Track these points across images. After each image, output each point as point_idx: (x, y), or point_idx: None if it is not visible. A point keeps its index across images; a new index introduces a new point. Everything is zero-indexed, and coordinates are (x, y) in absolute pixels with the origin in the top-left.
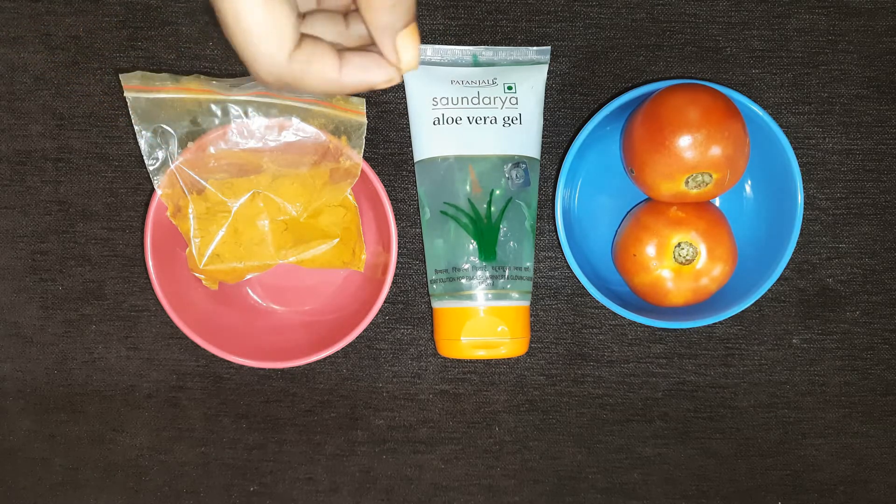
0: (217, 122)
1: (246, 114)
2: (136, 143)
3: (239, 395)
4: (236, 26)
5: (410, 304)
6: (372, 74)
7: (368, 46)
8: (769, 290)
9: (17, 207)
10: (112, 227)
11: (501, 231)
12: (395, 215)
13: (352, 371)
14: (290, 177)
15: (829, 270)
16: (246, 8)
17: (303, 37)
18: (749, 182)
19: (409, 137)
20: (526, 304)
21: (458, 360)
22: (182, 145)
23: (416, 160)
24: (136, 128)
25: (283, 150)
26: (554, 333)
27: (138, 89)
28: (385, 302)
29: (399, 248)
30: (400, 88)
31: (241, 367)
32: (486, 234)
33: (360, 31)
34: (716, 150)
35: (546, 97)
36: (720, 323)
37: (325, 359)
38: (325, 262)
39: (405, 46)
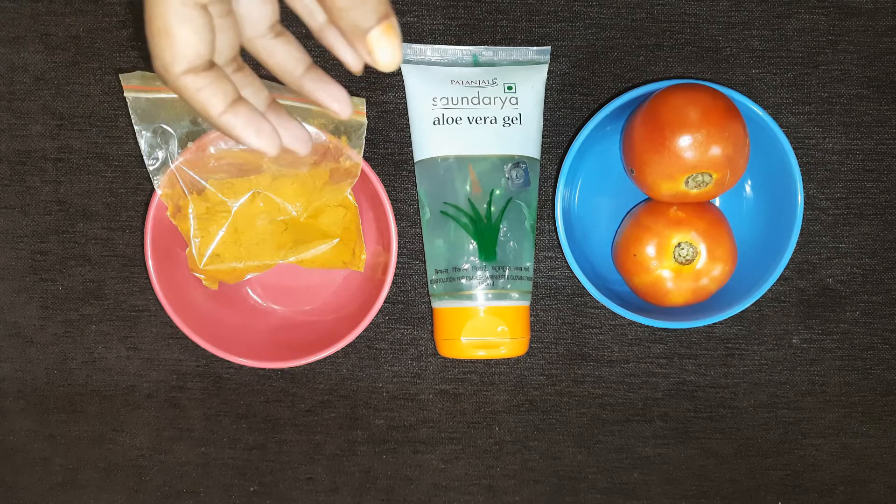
0: None
1: None
2: (136, 143)
3: (239, 395)
4: (151, 24)
5: (410, 304)
6: (248, 137)
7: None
8: (769, 290)
9: (17, 207)
10: (112, 227)
11: (501, 231)
12: (395, 215)
13: (352, 371)
14: (290, 177)
15: (829, 270)
16: (168, 14)
17: (212, 65)
18: (749, 182)
19: (409, 137)
20: (526, 304)
21: (458, 360)
22: (182, 145)
23: (416, 160)
24: (136, 128)
25: (283, 150)
26: (554, 333)
27: (138, 89)
28: (385, 302)
29: (399, 248)
30: (400, 88)
31: (241, 367)
32: (486, 234)
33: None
34: (716, 150)
35: (546, 97)
36: (720, 323)
37: (325, 359)
38: (325, 262)
39: (379, 45)
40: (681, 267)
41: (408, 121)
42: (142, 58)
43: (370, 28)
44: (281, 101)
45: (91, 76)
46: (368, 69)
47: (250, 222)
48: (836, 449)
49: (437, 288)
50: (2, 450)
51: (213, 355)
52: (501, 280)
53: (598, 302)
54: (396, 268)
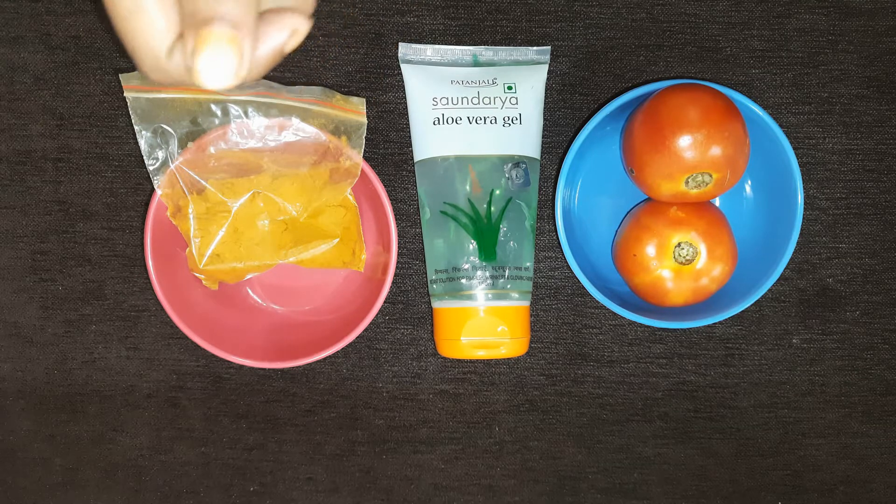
0: (217, 122)
1: (246, 114)
2: (136, 143)
3: (239, 395)
4: (118, 9)
5: (410, 304)
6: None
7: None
8: (769, 290)
9: (17, 207)
10: (112, 227)
11: (501, 231)
12: (395, 215)
13: (352, 371)
14: (290, 177)
15: (829, 270)
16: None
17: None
18: (749, 182)
19: (409, 137)
20: (526, 304)
21: (458, 360)
22: (182, 145)
23: (416, 160)
24: (136, 128)
25: (283, 150)
26: (554, 333)
27: (138, 89)
28: (385, 302)
29: (399, 248)
30: (400, 88)
31: (241, 367)
32: (486, 234)
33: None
34: (716, 150)
35: (546, 97)
36: (720, 323)
37: (325, 359)
38: (325, 262)
39: (199, 52)
40: (681, 267)
41: (408, 121)
42: None
43: (205, 25)
44: (281, 102)
45: (91, 76)
46: (369, 70)
47: (250, 222)
48: (836, 449)
49: (437, 288)
50: (2, 450)
51: (213, 355)
52: (501, 280)
53: (598, 302)
54: (396, 268)
